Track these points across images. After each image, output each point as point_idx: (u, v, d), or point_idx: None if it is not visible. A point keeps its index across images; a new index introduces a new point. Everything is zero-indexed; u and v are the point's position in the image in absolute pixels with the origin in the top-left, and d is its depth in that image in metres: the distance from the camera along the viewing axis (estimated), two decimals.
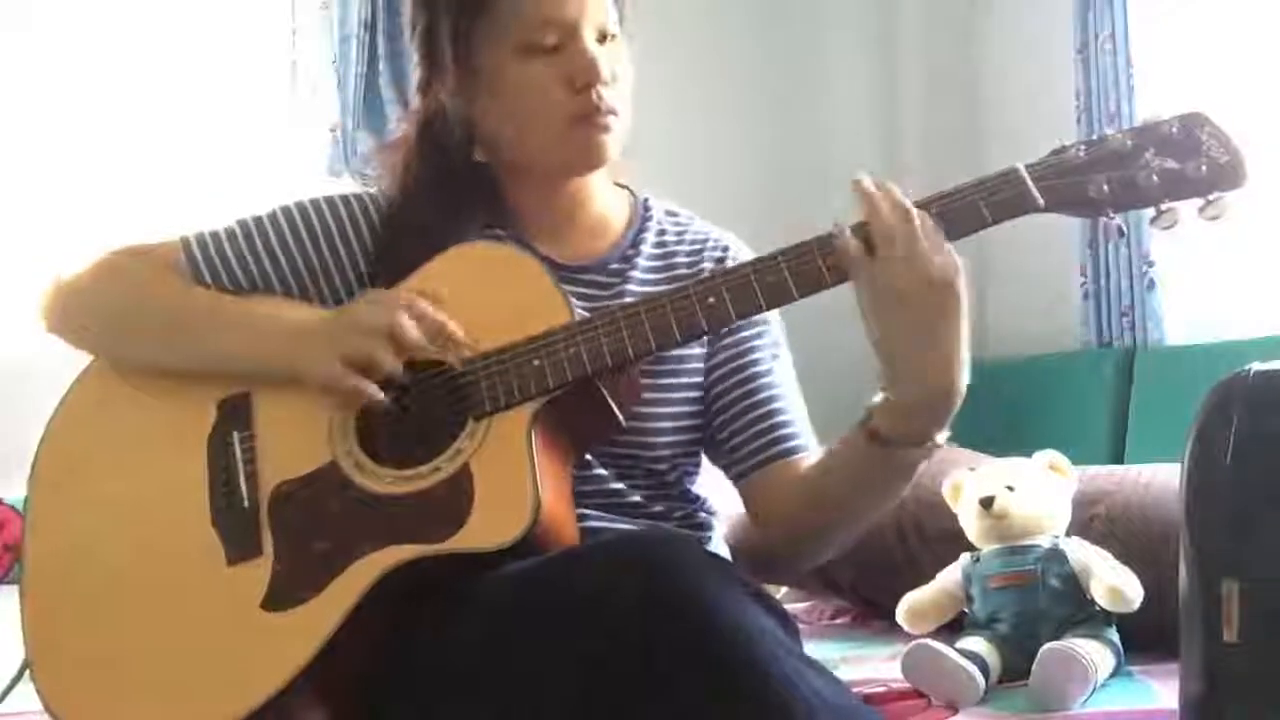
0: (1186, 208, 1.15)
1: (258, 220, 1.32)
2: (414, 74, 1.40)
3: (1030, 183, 1.15)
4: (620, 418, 1.19)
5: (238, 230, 1.31)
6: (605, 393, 1.18)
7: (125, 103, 2.95)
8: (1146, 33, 2.99)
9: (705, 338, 1.31)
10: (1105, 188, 1.15)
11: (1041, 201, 1.15)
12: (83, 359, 1.30)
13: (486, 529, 1.10)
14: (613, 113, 1.28)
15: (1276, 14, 2.80)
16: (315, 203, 1.33)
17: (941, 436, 1.19)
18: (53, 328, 1.31)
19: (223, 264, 1.29)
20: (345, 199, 1.34)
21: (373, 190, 1.37)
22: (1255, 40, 2.83)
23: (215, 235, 1.31)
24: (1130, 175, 1.15)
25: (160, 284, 1.28)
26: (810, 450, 1.35)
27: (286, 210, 1.32)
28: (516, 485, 1.11)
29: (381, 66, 3.04)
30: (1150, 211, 1.16)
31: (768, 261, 1.17)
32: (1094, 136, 1.19)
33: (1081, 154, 1.16)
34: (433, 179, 1.33)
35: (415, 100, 1.40)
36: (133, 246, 1.32)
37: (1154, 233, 2.79)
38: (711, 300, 1.16)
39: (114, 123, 2.93)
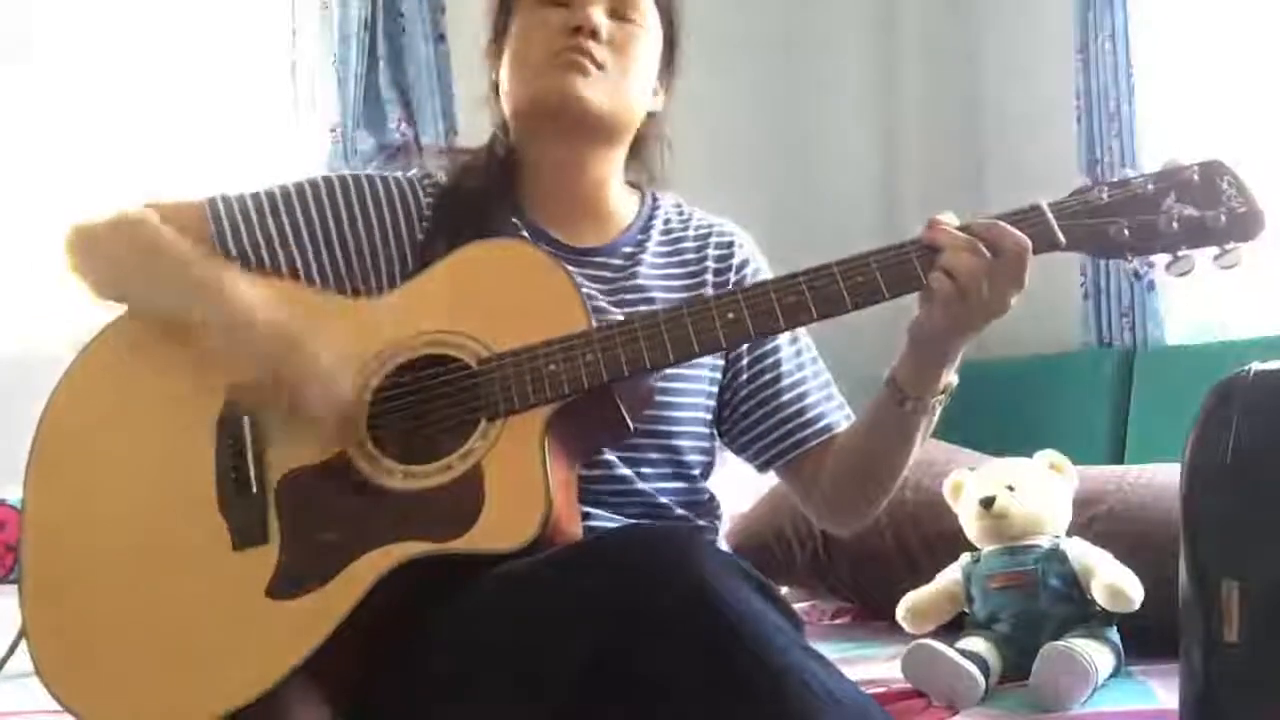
0: (1201, 254, 1.17)
1: (283, 188, 1.34)
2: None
3: (1053, 221, 1.16)
4: (631, 425, 1.20)
5: (263, 194, 1.33)
6: (619, 401, 1.18)
7: (125, 103, 2.95)
8: (1146, 33, 2.99)
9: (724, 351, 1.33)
10: (1125, 232, 1.16)
11: (1063, 240, 1.16)
12: None
13: (496, 531, 1.10)
14: (594, 61, 1.32)
15: (1276, 14, 2.80)
16: (369, 179, 1.36)
17: (954, 378, 1.27)
18: (74, 267, 1.31)
19: (244, 224, 1.31)
20: (396, 180, 1.37)
21: (416, 173, 1.40)
22: (1255, 40, 2.83)
23: (240, 198, 1.33)
24: (1151, 220, 1.16)
25: (169, 236, 1.28)
26: (837, 423, 1.41)
27: (328, 181, 1.35)
28: (528, 489, 1.11)
29: (381, 66, 3.05)
30: (1166, 256, 1.17)
31: (788, 282, 1.18)
32: (1115, 178, 1.20)
33: (1104, 196, 1.17)
34: (487, 157, 1.39)
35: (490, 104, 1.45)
36: (159, 204, 1.33)
37: None
38: (731, 315, 1.17)
39: (114, 123, 2.94)
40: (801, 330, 1.43)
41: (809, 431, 1.39)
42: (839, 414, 1.42)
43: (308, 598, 1.11)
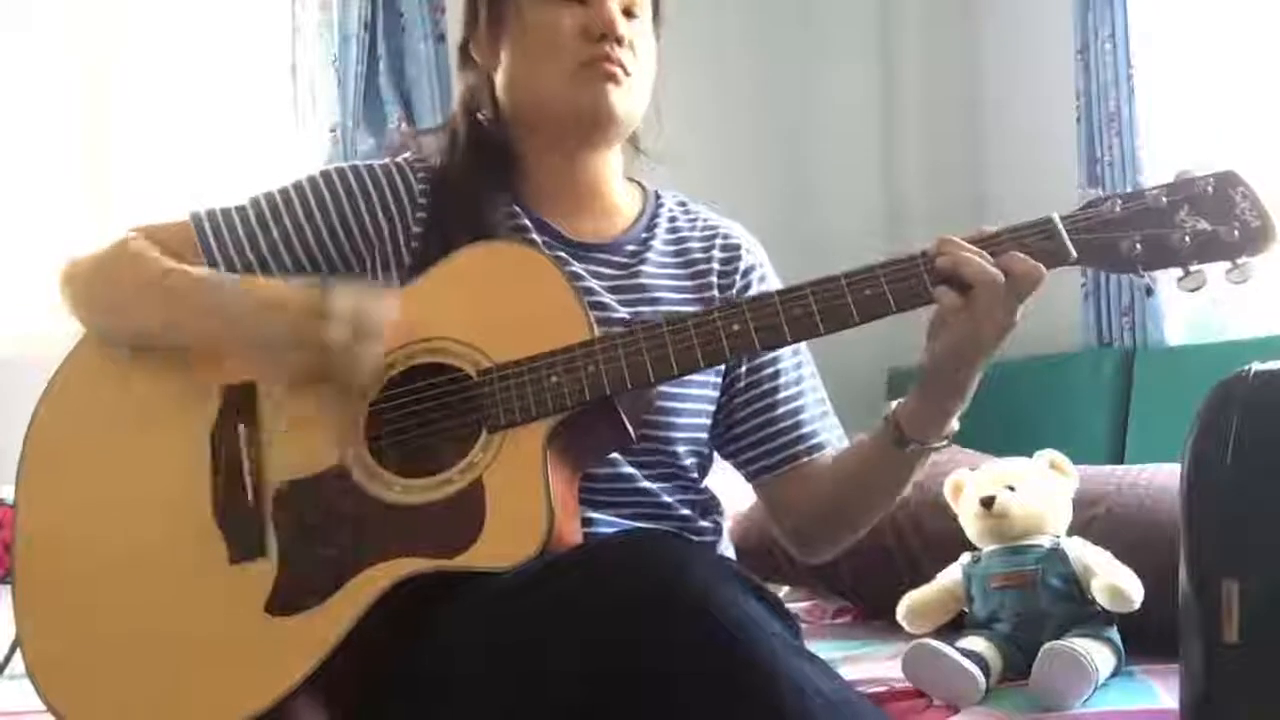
0: (1213, 269, 1.15)
1: (269, 196, 1.31)
2: (457, 52, 1.42)
3: (1065, 234, 1.15)
4: (634, 435, 1.19)
5: (248, 206, 1.31)
6: (621, 412, 1.17)
7: (126, 104, 2.95)
8: (1146, 33, 2.99)
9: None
10: (1138, 246, 1.14)
11: (1074, 254, 1.15)
12: None
13: (497, 548, 1.09)
14: (625, 70, 1.30)
15: (1276, 14, 2.80)
16: (355, 170, 1.33)
17: (954, 425, 1.25)
18: (65, 305, 1.29)
19: (232, 239, 1.29)
20: (385, 166, 1.34)
21: (408, 156, 1.37)
22: (1255, 40, 2.83)
23: (226, 211, 1.31)
24: (1163, 235, 1.14)
25: (153, 260, 1.25)
26: (830, 443, 1.39)
27: (312, 180, 1.32)
28: (530, 505, 1.10)
29: (381, 66, 3.05)
30: (1177, 271, 1.16)
31: (794, 294, 1.16)
32: (1129, 190, 1.18)
33: (1117, 208, 1.15)
34: (473, 152, 1.35)
35: (457, 78, 1.42)
36: (147, 227, 1.31)
37: None
38: (736, 328, 1.15)
39: (114, 123, 2.94)
40: (805, 350, 1.42)
41: (801, 447, 1.37)
42: (832, 434, 1.40)
43: (307, 614, 1.11)
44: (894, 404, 1.25)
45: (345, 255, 1.30)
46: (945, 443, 1.25)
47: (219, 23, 3.03)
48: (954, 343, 1.15)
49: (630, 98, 1.32)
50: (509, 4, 1.33)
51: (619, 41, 1.29)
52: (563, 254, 1.30)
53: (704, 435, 1.37)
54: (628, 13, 1.32)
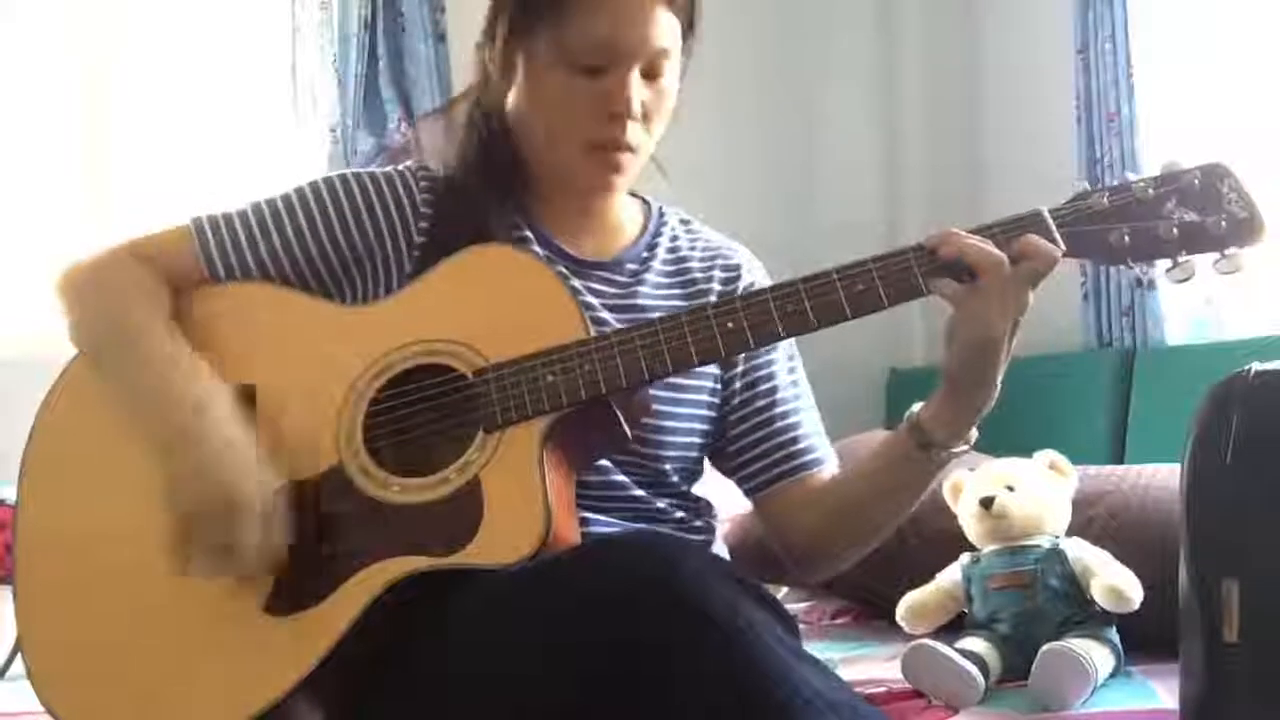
0: (1201, 260, 1.15)
1: (270, 202, 1.30)
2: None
3: (1054, 228, 1.15)
4: (629, 434, 1.19)
5: (249, 211, 1.30)
6: (617, 410, 1.17)
7: (126, 104, 2.95)
8: (1146, 33, 2.99)
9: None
10: (1126, 238, 1.15)
11: (1064, 248, 1.15)
12: None
13: (496, 546, 1.09)
14: (630, 150, 1.27)
15: (1275, 14, 2.80)
16: (358, 178, 1.32)
17: (974, 432, 1.25)
18: (62, 313, 1.28)
19: (232, 245, 1.27)
20: (387, 175, 1.33)
21: (411, 165, 1.36)
22: (1254, 40, 2.84)
23: (226, 216, 1.29)
24: (1151, 226, 1.15)
25: (134, 312, 1.24)
26: (827, 459, 1.38)
27: (314, 187, 1.31)
28: (527, 503, 1.10)
29: (381, 66, 3.05)
30: (1166, 262, 1.16)
31: (786, 289, 1.16)
32: (1116, 182, 1.18)
33: (1105, 201, 1.16)
34: (481, 161, 1.33)
35: (471, 70, 1.38)
36: (141, 242, 1.29)
37: None
38: (730, 325, 1.15)
39: (114, 124, 2.94)
40: (799, 361, 1.42)
41: (799, 461, 1.37)
42: (829, 450, 1.40)
43: (305, 614, 1.11)
44: (915, 407, 1.25)
45: (345, 262, 1.30)
46: (966, 448, 1.24)
47: (218, 23, 3.03)
48: (969, 334, 1.16)
49: (632, 173, 1.31)
50: (526, 48, 1.28)
51: (634, 117, 1.26)
52: (563, 270, 1.30)
53: (695, 454, 1.36)
54: (650, 73, 1.27)
